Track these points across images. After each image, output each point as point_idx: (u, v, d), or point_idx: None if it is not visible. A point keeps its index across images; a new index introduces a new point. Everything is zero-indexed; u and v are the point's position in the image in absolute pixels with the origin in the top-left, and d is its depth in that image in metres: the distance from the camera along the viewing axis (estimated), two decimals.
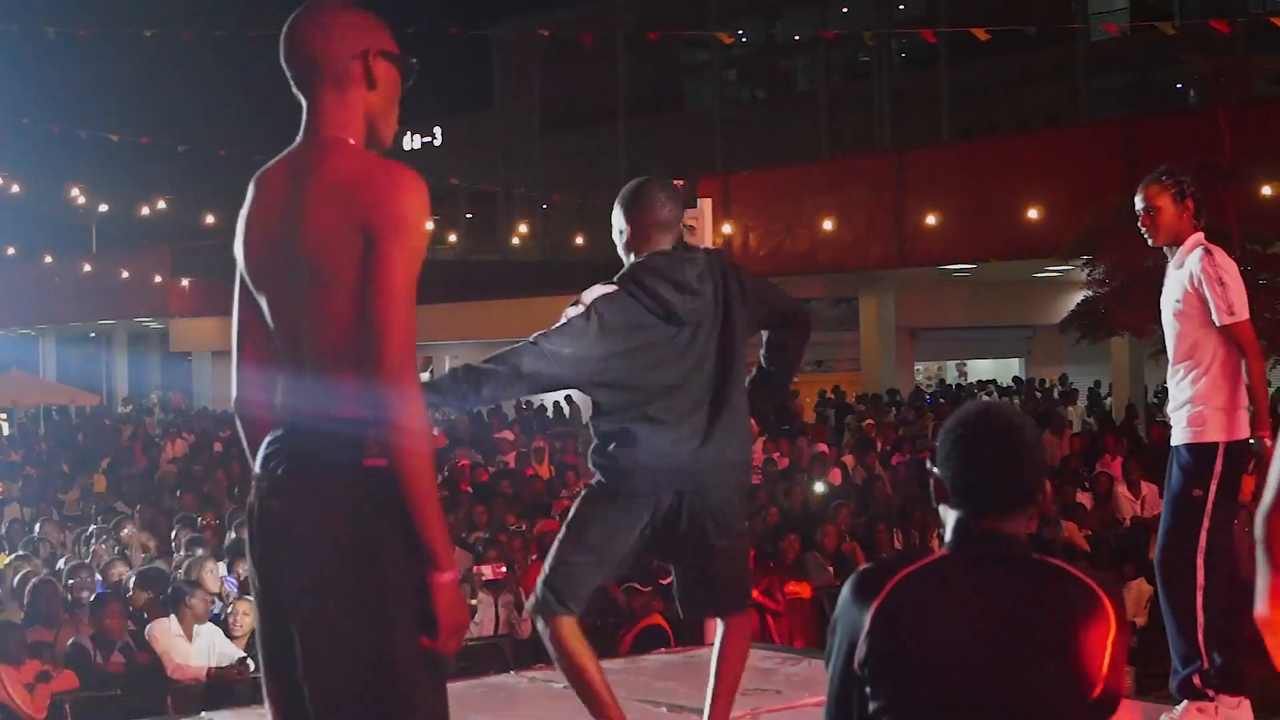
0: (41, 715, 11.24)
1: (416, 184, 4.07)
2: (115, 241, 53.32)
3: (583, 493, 6.40)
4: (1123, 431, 25.02)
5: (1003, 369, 39.71)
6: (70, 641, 12.29)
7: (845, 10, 57.63)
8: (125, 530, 16.30)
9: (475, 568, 14.39)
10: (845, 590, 3.90)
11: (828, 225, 31.18)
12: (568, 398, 38.97)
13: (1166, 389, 7.89)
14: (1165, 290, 7.66)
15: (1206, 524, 7.38)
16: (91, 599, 12.98)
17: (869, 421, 27.48)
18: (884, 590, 3.80)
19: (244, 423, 4.42)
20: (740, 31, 57.85)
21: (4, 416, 39.45)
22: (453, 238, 62.69)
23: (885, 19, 53.17)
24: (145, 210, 39.37)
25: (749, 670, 7.03)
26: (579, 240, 42.29)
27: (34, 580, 13.21)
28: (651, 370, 6.09)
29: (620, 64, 63.62)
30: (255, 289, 4.22)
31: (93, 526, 17.03)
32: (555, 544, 6.34)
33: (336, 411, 4.05)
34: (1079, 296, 26.67)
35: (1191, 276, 7.44)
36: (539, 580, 6.34)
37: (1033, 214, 28.04)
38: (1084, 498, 18.20)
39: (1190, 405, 7.49)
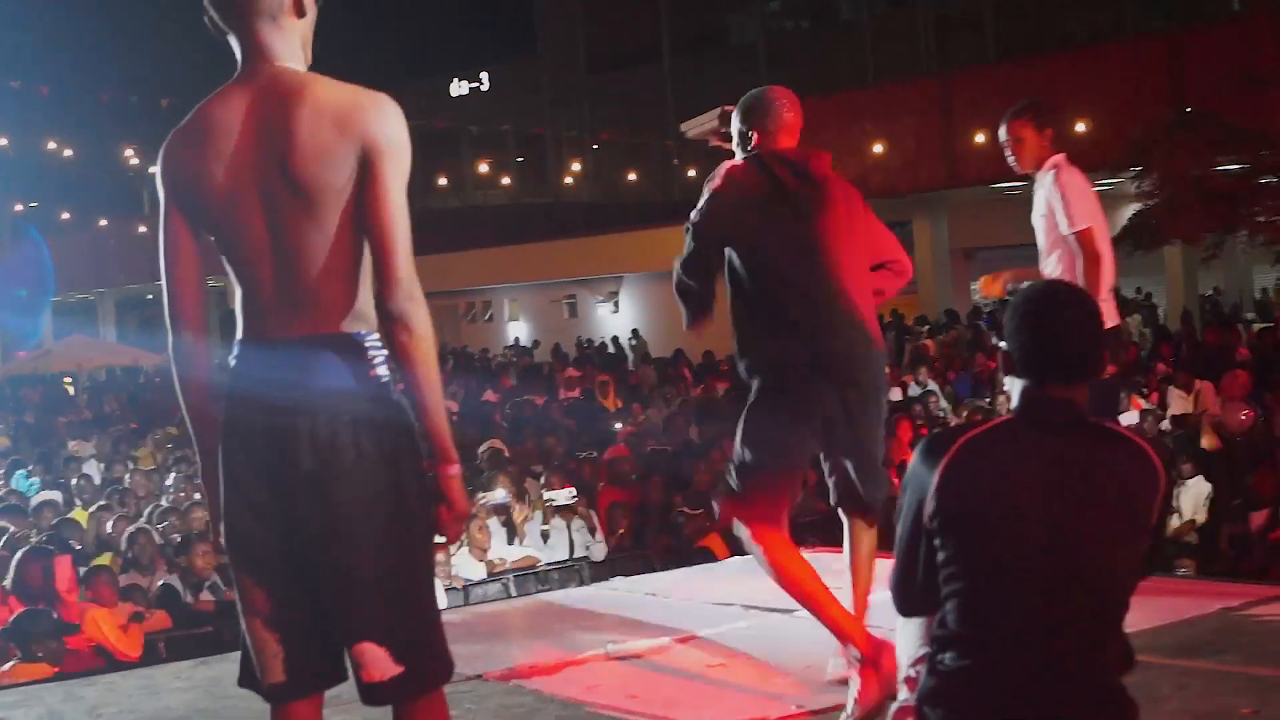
0: (136, 654, 11.45)
1: (400, 111, 4.31)
2: None
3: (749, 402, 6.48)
4: (1180, 336, 25.21)
5: None
6: (160, 583, 12.63)
7: None
8: None
9: (545, 494, 14.69)
10: (915, 453, 4.21)
11: (877, 150, 31.30)
12: (634, 331, 39.20)
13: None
14: (1034, 204, 8.52)
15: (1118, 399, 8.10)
16: (179, 540, 13.31)
17: (926, 342, 27.68)
18: (951, 450, 4.10)
19: (186, 357, 4.50)
20: None
21: (69, 380, 39.81)
22: (505, 181, 62.71)
23: None
24: None
25: (821, 569, 7.32)
26: (630, 178, 42.38)
27: (130, 529, 13.53)
28: (775, 252, 6.27)
29: (663, 2, 63.51)
30: (218, 217, 4.32)
31: (173, 475, 17.39)
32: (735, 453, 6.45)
33: (336, 327, 4.26)
34: (1131, 209, 26.76)
35: (1047, 192, 8.33)
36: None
37: (1080, 128, 28.09)
38: (1139, 404, 18.41)
39: None
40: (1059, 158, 8.45)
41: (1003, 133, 8.52)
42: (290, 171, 4.20)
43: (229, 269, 4.39)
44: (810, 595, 6.32)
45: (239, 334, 4.38)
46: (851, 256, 6.41)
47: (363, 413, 4.22)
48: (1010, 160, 8.54)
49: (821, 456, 6.60)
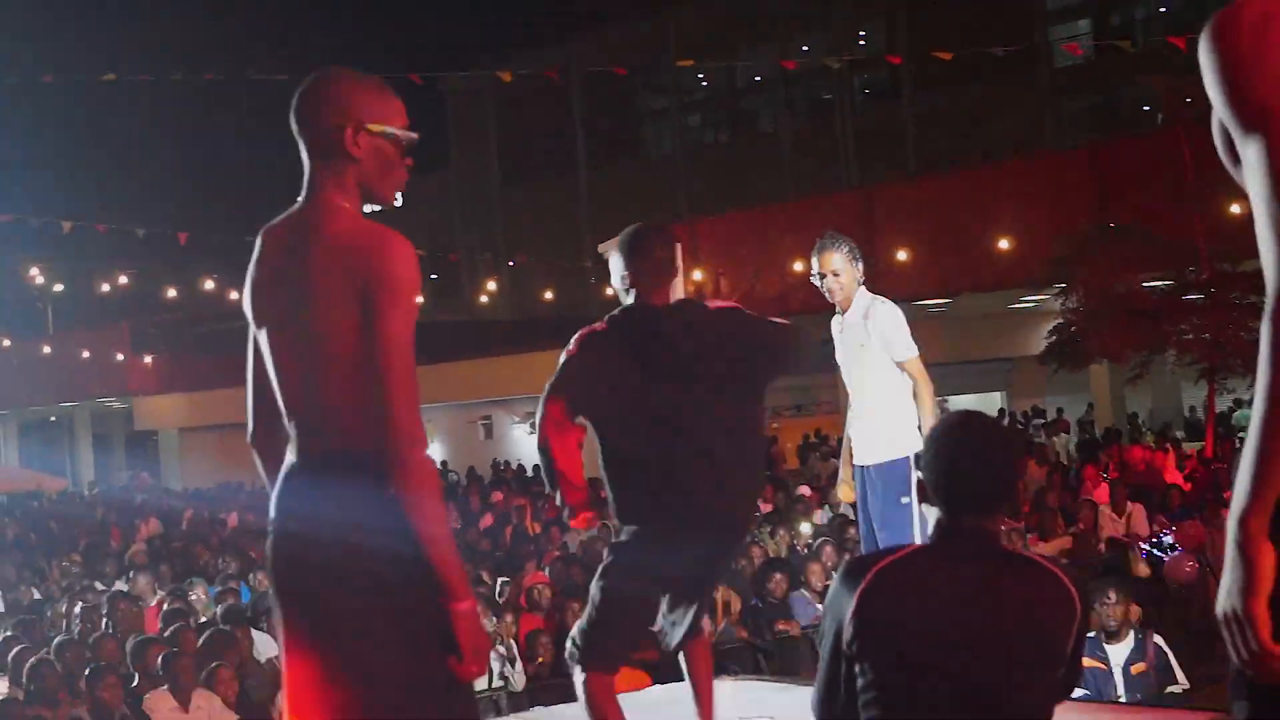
0: None
1: (405, 248, 4.46)
2: (73, 321, 53.41)
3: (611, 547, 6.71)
4: (1109, 455, 25.43)
5: (985, 402, 39.53)
6: (69, 716, 12.60)
7: (805, 48, 57.90)
8: (122, 605, 16.54)
9: None
10: (835, 578, 4.40)
11: (797, 267, 31.56)
12: None
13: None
14: (848, 337, 9.14)
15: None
16: (87, 673, 13.29)
17: None
18: (867, 577, 4.28)
19: (261, 459, 4.85)
20: (700, 76, 58.46)
21: None
22: (419, 300, 62.80)
23: (846, 52, 53.58)
24: (105, 287, 39.54)
25: (743, 699, 7.43)
26: (547, 295, 42.52)
27: (31, 660, 13.51)
28: (636, 411, 6.46)
29: (577, 113, 63.89)
30: (258, 331, 4.63)
31: (79, 605, 17.35)
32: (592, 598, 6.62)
33: (345, 448, 4.44)
34: (1054, 326, 27.06)
35: (875, 322, 8.96)
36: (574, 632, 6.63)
37: (1004, 244, 28.40)
38: (1064, 528, 18.53)
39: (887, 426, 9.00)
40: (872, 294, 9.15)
41: (816, 265, 9.10)
42: (302, 313, 4.44)
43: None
44: None
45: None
46: (715, 414, 6.54)
47: (363, 534, 4.37)
48: (825, 292, 9.13)
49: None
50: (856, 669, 4.30)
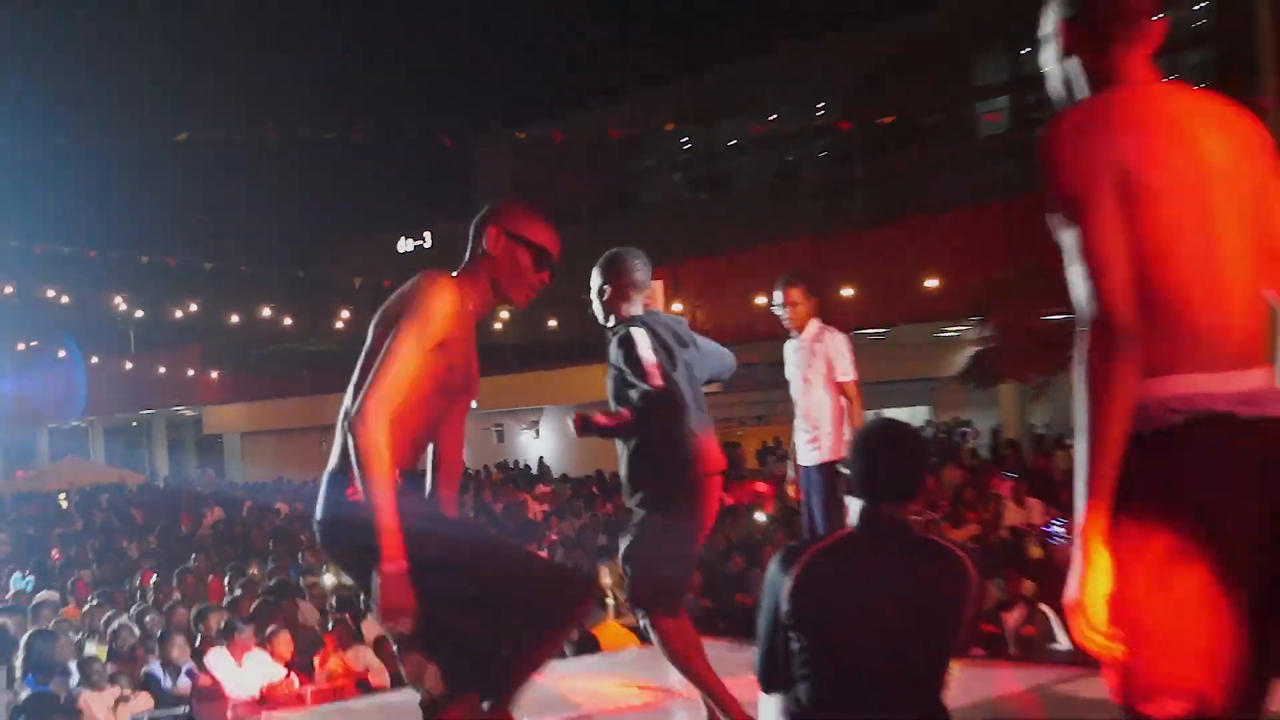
0: None
1: (439, 285, 4.56)
2: (151, 342, 53.43)
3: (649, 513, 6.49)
4: (1012, 461, 25.61)
5: (913, 415, 39.83)
6: (144, 670, 12.73)
7: (773, 117, 58.09)
8: (189, 579, 16.71)
9: None
10: (772, 562, 4.47)
11: (760, 301, 31.63)
12: (540, 459, 39.24)
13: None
14: (799, 357, 9.19)
15: None
16: (159, 634, 13.41)
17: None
18: (801, 560, 4.36)
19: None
20: (683, 140, 58.55)
21: (64, 495, 39.57)
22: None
23: (807, 121, 53.94)
24: (178, 313, 39.46)
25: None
26: (551, 324, 42.61)
27: (114, 624, 13.68)
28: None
29: (583, 172, 63.98)
30: None
31: (154, 577, 17.49)
32: (637, 550, 6.42)
33: (342, 459, 4.59)
34: (969, 352, 27.22)
35: (824, 346, 9.06)
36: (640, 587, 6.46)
37: (932, 283, 28.55)
38: (974, 518, 18.67)
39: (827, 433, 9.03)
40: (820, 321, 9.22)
41: (778, 297, 9.20)
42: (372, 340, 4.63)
43: None
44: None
45: None
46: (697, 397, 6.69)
47: (331, 517, 4.61)
48: (784, 320, 9.20)
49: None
50: (792, 635, 4.39)
